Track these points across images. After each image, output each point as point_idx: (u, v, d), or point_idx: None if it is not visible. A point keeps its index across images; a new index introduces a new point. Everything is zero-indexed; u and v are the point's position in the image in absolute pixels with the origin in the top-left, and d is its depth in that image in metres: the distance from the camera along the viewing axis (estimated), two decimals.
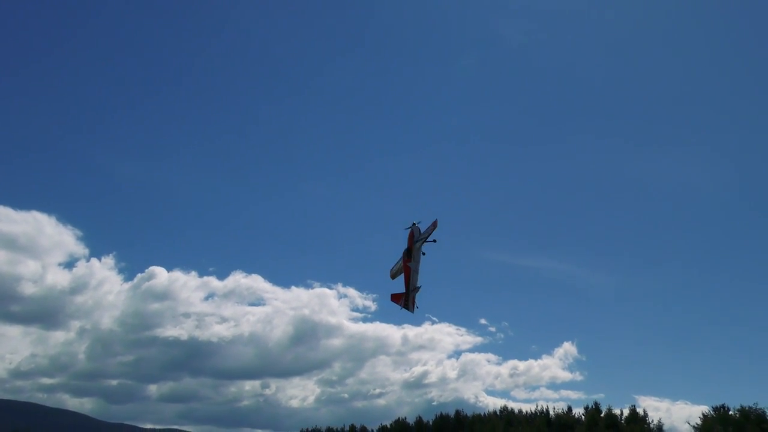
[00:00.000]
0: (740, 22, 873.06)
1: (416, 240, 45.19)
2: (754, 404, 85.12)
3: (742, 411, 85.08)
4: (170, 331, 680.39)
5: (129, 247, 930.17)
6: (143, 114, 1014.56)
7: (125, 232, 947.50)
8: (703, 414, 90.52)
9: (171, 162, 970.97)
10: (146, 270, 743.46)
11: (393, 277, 47.50)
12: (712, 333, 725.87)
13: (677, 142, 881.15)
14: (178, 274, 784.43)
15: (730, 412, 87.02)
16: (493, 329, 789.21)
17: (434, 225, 44.83)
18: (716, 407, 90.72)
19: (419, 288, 46.87)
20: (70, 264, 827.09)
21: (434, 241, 45.99)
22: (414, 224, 45.30)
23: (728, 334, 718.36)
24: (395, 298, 46.99)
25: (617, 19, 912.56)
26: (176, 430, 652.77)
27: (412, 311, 47.55)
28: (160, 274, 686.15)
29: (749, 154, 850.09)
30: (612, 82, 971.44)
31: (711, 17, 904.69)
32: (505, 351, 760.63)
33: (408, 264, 46.01)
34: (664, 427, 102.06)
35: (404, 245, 46.51)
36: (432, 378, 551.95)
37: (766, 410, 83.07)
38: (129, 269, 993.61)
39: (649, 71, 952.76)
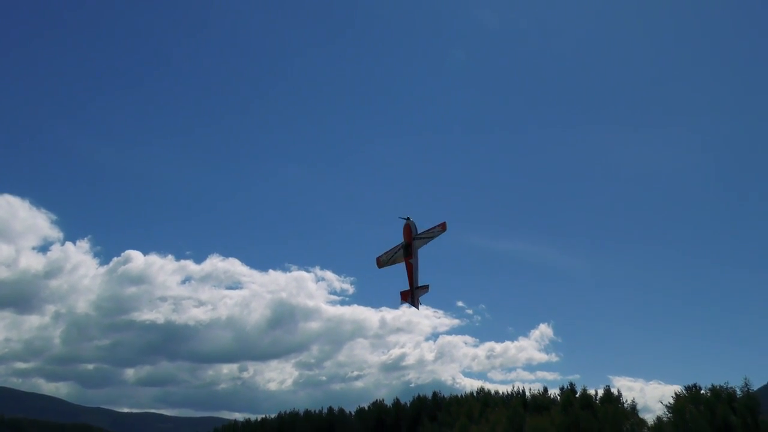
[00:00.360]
0: (714, 10, 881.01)
1: (415, 237, 45.10)
2: (725, 383, 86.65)
3: (714, 390, 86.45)
4: (147, 315, 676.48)
5: (105, 230, 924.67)
6: (120, 99, 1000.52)
7: (101, 216, 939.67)
8: (675, 393, 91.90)
9: (149, 146, 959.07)
10: (122, 254, 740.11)
11: (380, 266, 47.21)
12: (685, 315, 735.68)
13: (652, 126, 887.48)
14: (154, 258, 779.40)
15: (702, 392, 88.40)
16: (470, 312, 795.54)
17: (443, 227, 44.86)
18: (688, 387, 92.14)
19: (428, 287, 47.64)
20: (44, 248, 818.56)
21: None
22: (408, 219, 44.78)
23: (701, 316, 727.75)
24: (404, 296, 47.47)
25: (595, 3, 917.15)
26: (153, 413, 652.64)
27: (417, 308, 48.56)
28: (137, 258, 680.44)
29: (722, 138, 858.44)
30: (587, 69, 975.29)
31: (687, 4, 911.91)
32: (482, 333, 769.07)
33: (410, 261, 46.17)
34: (638, 407, 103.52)
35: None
36: (410, 360, 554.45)
37: (736, 389, 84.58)
38: (105, 253, 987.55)
39: (625, 57, 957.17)
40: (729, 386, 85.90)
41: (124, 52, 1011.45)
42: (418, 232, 45.41)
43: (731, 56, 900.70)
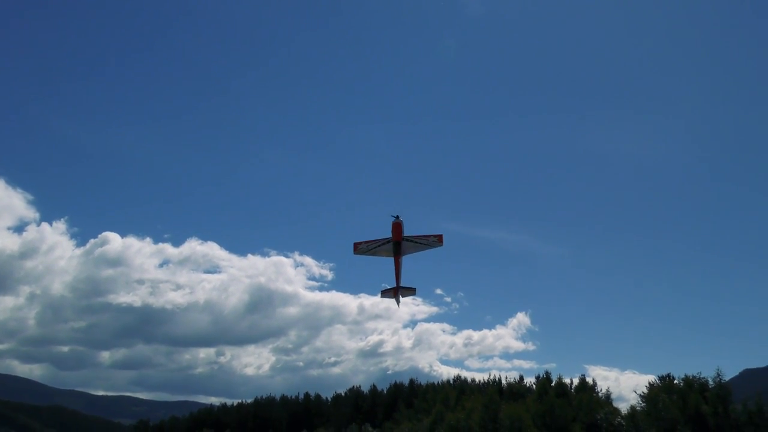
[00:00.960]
0: (701, 3, 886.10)
1: (408, 239, 44.23)
2: (697, 374, 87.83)
3: (686, 380, 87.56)
4: (123, 298, 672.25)
5: (82, 211, 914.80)
6: (101, 79, 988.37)
7: (78, 197, 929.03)
8: (649, 383, 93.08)
9: (129, 127, 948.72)
10: (99, 235, 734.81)
11: (356, 252, 45.72)
12: (662, 305, 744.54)
13: (632, 116, 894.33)
14: (132, 240, 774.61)
15: (675, 381, 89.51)
16: (448, 299, 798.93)
17: (439, 239, 44.10)
18: (662, 377, 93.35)
19: (415, 290, 48.85)
20: (19, 228, 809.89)
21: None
22: (397, 217, 43.54)
23: (678, 307, 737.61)
24: (387, 292, 48.46)
25: None
26: (128, 396, 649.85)
27: (398, 305, 49.95)
28: (114, 240, 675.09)
29: (701, 129, 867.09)
30: (570, 59, 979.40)
31: None
32: (460, 321, 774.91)
33: (398, 260, 45.94)
34: (613, 396, 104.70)
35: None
36: (387, 347, 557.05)
37: (709, 379, 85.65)
38: (82, 234, 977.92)
39: (608, 47, 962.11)
40: (702, 376, 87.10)
41: (106, 32, 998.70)
42: (411, 233, 44.31)
43: (715, 48, 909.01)
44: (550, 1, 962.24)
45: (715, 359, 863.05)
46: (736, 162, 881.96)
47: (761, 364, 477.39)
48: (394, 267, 46.56)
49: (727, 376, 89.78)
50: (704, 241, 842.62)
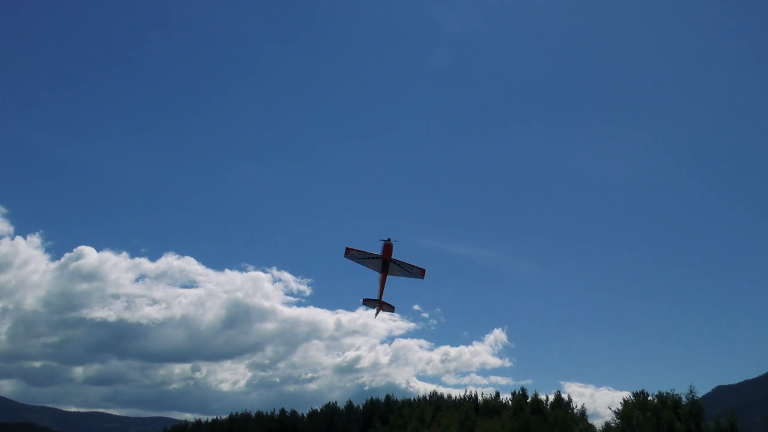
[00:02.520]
0: (670, 12, 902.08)
1: (396, 262, 48.60)
2: (671, 390, 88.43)
3: (660, 397, 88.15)
4: (98, 313, 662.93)
5: (57, 225, 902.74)
6: (76, 91, 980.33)
7: (54, 210, 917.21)
8: (623, 399, 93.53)
9: (106, 141, 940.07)
10: (75, 249, 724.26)
11: (347, 255, 48.72)
12: (637, 322, 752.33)
13: (605, 132, 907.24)
14: (108, 255, 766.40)
15: (649, 398, 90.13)
16: (426, 315, 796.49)
17: (422, 272, 49.10)
18: (636, 393, 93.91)
19: (394, 308, 53.16)
20: None
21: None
22: (389, 240, 47.39)
23: (651, 324, 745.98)
24: (368, 302, 52.69)
25: (549, 6, 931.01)
26: (100, 413, 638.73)
27: (375, 316, 54.37)
28: (90, 254, 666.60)
29: (672, 144, 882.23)
30: (541, 72, 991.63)
31: (639, 8, 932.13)
32: (437, 337, 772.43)
33: (385, 276, 50.27)
34: (588, 412, 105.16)
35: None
36: (364, 363, 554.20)
37: (682, 396, 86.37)
38: (56, 248, 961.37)
39: (577, 60, 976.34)
40: (675, 393, 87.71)
41: (83, 44, 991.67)
42: (400, 259, 48.71)
43: (686, 62, 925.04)
44: (523, 18, 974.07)
45: (689, 376, 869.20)
46: (708, 177, 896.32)
47: (734, 381, 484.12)
48: (379, 281, 50.96)
49: (700, 393, 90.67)
50: (677, 259, 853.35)
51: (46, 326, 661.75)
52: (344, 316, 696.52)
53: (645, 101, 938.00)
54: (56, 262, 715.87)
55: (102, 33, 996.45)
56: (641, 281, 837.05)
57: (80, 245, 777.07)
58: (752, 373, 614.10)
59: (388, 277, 50.88)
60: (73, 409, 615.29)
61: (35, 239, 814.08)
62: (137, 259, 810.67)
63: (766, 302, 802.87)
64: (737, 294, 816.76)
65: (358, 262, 49.68)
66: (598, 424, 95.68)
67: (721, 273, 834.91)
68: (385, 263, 48.82)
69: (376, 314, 53.74)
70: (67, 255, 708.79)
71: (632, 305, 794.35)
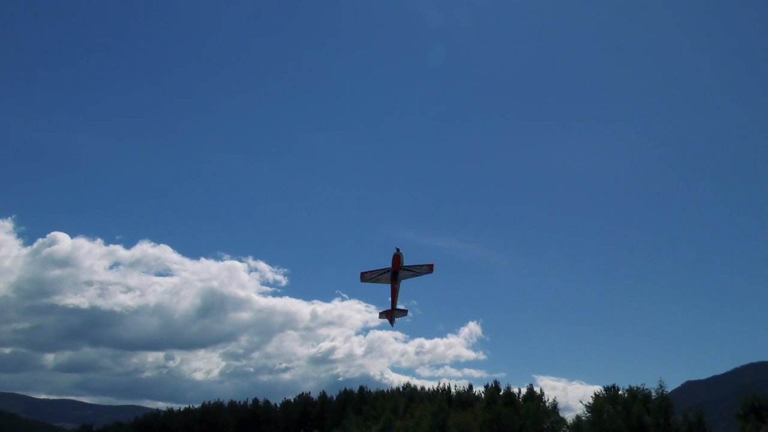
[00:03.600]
0: (650, 13, 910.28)
1: (404, 268, 50.62)
2: (641, 385, 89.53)
3: (630, 391, 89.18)
4: (70, 299, 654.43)
5: (31, 211, 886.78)
6: (52, 76, 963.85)
7: (27, 196, 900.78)
8: (595, 393, 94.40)
9: (82, 126, 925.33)
10: (48, 235, 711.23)
11: (362, 280, 52.16)
12: (609, 317, 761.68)
13: (578, 127, 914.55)
14: (82, 241, 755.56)
15: (620, 392, 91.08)
16: (402, 307, 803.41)
17: (430, 268, 50.70)
18: (607, 387, 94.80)
19: (407, 311, 54.77)
20: None
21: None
22: (398, 250, 50.16)
23: (623, 319, 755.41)
24: (384, 314, 54.12)
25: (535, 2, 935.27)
26: (71, 400, 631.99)
27: (392, 325, 55.48)
28: (63, 240, 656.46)
29: (649, 140, 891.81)
30: (520, 67, 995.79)
31: (626, 5, 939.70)
32: (412, 329, 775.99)
33: (395, 286, 52.10)
34: (561, 406, 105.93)
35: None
36: (339, 354, 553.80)
37: (652, 390, 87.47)
38: (29, 234, 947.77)
39: (560, 60, 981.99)
40: (645, 387, 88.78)
41: (61, 30, 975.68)
42: (406, 263, 50.67)
43: (668, 55, 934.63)
44: (509, 13, 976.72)
45: (659, 371, 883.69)
46: (684, 173, 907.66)
47: (702, 377, 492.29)
48: (390, 292, 52.66)
49: (670, 387, 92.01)
50: (651, 256, 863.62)
51: (17, 312, 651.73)
52: (320, 307, 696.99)
53: (625, 98, 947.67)
54: (29, 247, 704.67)
55: (80, 19, 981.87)
56: (615, 277, 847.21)
57: (54, 231, 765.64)
58: (720, 369, 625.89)
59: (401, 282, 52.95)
60: (42, 396, 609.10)
61: (7, 224, 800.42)
62: (112, 246, 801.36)
63: (736, 300, 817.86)
64: (708, 292, 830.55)
65: (373, 283, 52.29)
66: (569, 417, 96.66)
67: (693, 271, 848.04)
68: (395, 273, 51.02)
69: (393, 323, 55.46)
70: (40, 240, 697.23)
71: (606, 301, 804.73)
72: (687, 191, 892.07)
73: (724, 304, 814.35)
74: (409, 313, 58.46)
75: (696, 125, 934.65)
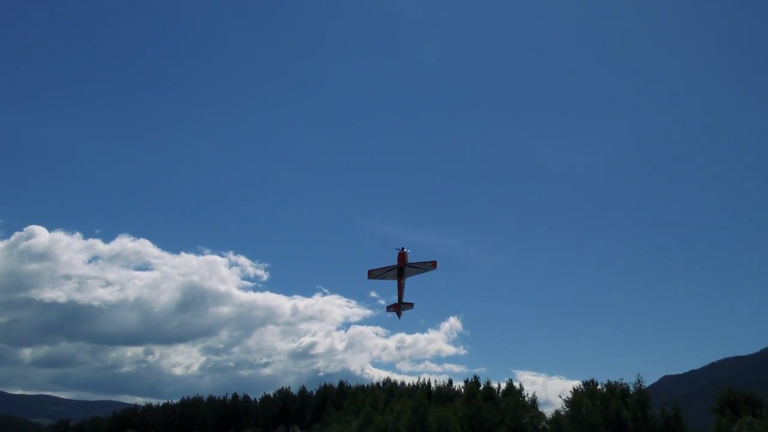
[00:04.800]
0: (625, 8, 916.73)
1: (409, 265, 53.98)
2: (619, 380, 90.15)
3: (609, 386, 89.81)
4: (48, 293, 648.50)
5: (8, 203, 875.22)
6: (31, 69, 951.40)
7: (4, 188, 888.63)
8: (574, 388, 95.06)
9: (61, 119, 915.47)
10: (25, 228, 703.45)
11: (370, 277, 55.08)
12: (588, 313, 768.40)
13: (561, 123, 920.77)
14: (60, 235, 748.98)
15: (598, 387, 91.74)
16: (382, 302, 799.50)
17: (434, 264, 54.30)
18: (586, 382, 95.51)
19: (413, 305, 58.68)
20: None
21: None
22: (402, 248, 53.11)
23: (602, 315, 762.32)
24: (391, 307, 58.53)
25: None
26: (47, 396, 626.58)
27: (399, 317, 59.64)
28: (41, 234, 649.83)
29: (627, 138, 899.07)
30: (503, 62, 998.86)
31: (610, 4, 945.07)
32: (393, 324, 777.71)
33: (401, 282, 55.99)
34: (540, 401, 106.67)
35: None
36: (319, 349, 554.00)
37: (630, 385, 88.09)
38: (6, 227, 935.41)
39: (540, 54, 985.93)
40: (623, 382, 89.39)
41: (42, 22, 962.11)
42: (412, 261, 53.98)
43: (645, 55, 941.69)
44: (486, 6, 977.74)
45: (637, 366, 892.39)
46: (663, 167, 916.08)
47: (680, 371, 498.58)
48: (397, 287, 56.66)
49: (648, 382, 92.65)
50: (628, 251, 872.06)
51: None
52: (301, 302, 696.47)
53: (605, 93, 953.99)
54: (5, 241, 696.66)
55: (62, 11, 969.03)
56: (595, 273, 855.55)
57: (31, 225, 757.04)
58: (697, 363, 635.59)
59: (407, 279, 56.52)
60: (19, 392, 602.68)
61: None
62: (90, 240, 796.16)
63: (712, 296, 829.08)
64: (685, 287, 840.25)
65: (380, 279, 55.59)
66: (549, 412, 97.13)
67: (671, 268, 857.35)
68: (401, 270, 54.26)
69: (400, 315, 59.26)
70: (17, 234, 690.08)
71: (586, 297, 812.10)
72: (666, 188, 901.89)
73: (701, 300, 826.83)
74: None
75: (680, 123, 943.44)
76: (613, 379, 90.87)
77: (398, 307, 57.89)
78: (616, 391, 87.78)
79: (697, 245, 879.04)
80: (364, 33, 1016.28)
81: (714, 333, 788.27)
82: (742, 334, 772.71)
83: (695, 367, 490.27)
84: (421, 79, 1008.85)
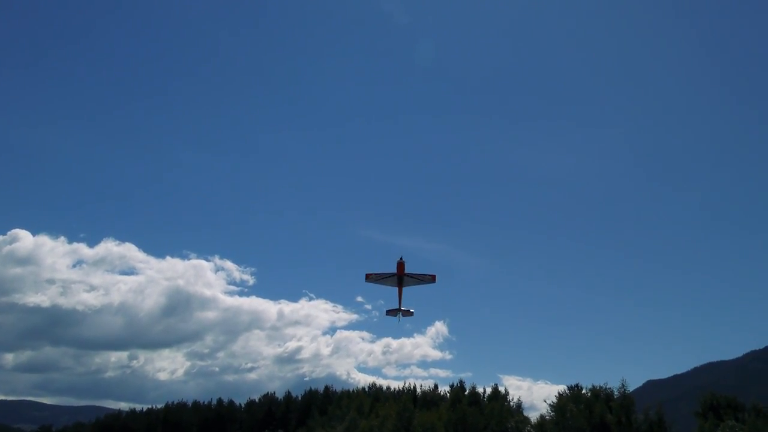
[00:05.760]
0: (613, 11, 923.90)
1: (409, 275, 55.92)
2: (604, 384, 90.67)
3: (593, 390, 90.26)
4: (31, 298, 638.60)
5: None
6: (14, 71, 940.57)
7: None
8: (559, 393, 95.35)
9: (45, 122, 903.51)
10: (9, 233, 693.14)
11: (367, 280, 56.76)
12: (574, 318, 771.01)
13: (546, 131, 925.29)
14: (44, 239, 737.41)
15: (583, 391, 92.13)
16: (369, 307, 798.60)
17: (432, 278, 56.37)
18: (571, 387, 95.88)
19: (413, 312, 61.03)
20: None
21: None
22: (401, 258, 55.34)
23: (588, 320, 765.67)
24: (391, 312, 61.05)
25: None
26: (29, 401, 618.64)
27: (398, 321, 62.09)
28: (25, 238, 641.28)
29: (613, 143, 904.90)
30: (489, 65, 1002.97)
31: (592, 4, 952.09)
32: (379, 329, 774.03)
33: (401, 289, 57.84)
34: (525, 405, 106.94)
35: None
36: (305, 354, 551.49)
37: (614, 389, 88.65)
38: None
39: (527, 58, 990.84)
40: (608, 387, 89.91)
41: (24, 25, 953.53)
42: (411, 272, 55.97)
43: (635, 60, 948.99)
44: (472, 9, 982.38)
45: (621, 370, 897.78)
46: (652, 172, 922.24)
47: (663, 376, 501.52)
48: (397, 293, 58.56)
49: (632, 386, 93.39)
50: (614, 256, 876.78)
51: None
52: (287, 307, 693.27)
53: (594, 97, 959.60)
54: None
55: (44, 16, 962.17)
56: (580, 279, 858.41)
57: (15, 228, 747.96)
58: (681, 368, 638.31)
59: (403, 284, 58.23)
60: (0, 398, 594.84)
61: None
62: (75, 245, 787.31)
63: (696, 302, 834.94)
64: (669, 293, 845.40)
65: (378, 284, 57.48)
66: (534, 416, 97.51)
67: (655, 272, 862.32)
68: (400, 278, 56.07)
69: (399, 319, 61.40)
70: (0, 238, 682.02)
71: (571, 302, 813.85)
72: (651, 192, 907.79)
73: (685, 306, 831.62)
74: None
75: (666, 127, 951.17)
76: (597, 383, 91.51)
77: (397, 312, 60.12)
78: (600, 395, 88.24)
79: (681, 251, 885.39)
80: (350, 36, 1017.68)
81: (697, 338, 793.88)
82: (725, 339, 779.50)
83: (679, 372, 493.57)
84: (409, 83, 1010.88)
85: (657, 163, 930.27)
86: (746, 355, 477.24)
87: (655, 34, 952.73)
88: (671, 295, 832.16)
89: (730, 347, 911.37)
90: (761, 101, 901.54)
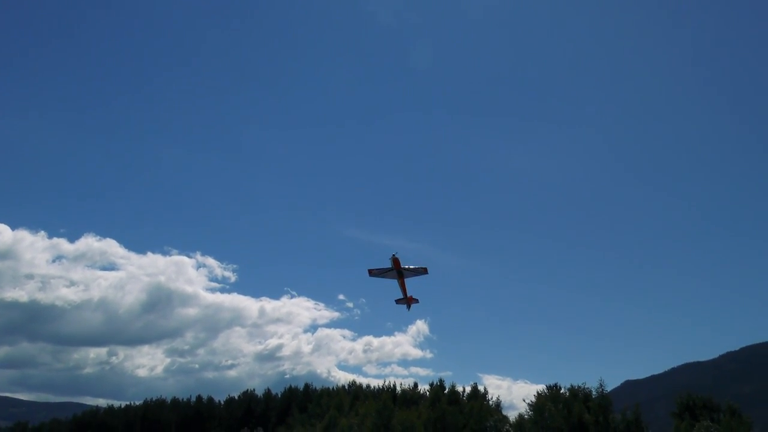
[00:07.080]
0: (589, 12, 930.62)
1: (405, 268, 62.83)
2: (582, 384, 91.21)
3: (572, 390, 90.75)
4: (9, 293, 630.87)
5: None
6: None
7: None
8: (538, 392, 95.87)
9: (25, 114, 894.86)
10: None
11: (371, 275, 63.32)
12: (554, 318, 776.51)
13: (523, 130, 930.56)
14: (23, 234, 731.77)
15: (562, 391, 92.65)
16: (350, 305, 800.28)
17: (425, 270, 63.24)
18: (550, 386, 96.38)
19: (418, 300, 68.52)
20: None
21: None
22: (395, 254, 61.38)
23: (567, 320, 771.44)
24: (400, 301, 67.93)
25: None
26: (5, 397, 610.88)
27: (408, 309, 69.50)
28: (4, 232, 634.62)
29: (589, 143, 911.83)
30: (472, 66, 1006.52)
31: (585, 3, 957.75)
32: (360, 327, 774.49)
33: (403, 282, 64.84)
34: (505, 404, 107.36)
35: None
36: (286, 351, 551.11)
37: (592, 389, 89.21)
38: None
39: (512, 60, 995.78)
40: (586, 386, 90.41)
41: (8, 19, 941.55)
42: (407, 265, 62.78)
43: (615, 60, 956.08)
44: (458, 10, 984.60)
45: (600, 370, 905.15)
46: (622, 171, 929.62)
47: (641, 376, 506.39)
48: (399, 285, 65.09)
49: (610, 386, 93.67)
50: (591, 255, 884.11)
51: None
52: (268, 304, 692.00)
53: (577, 97, 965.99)
54: None
55: (23, 9, 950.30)
56: (560, 278, 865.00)
57: None
58: (658, 368, 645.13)
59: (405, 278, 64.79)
60: None
61: None
62: (55, 240, 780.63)
63: (674, 303, 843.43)
64: (647, 294, 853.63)
65: (380, 278, 63.58)
66: (513, 415, 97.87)
67: (633, 273, 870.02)
68: (399, 271, 62.69)
69: (408, 308, 68.74)
70: None
71: (551, 302, 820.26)
72: (631, 193, 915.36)
73: (662, 307, 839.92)
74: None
75: (650, 128, 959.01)
76: (576, 383, 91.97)
77: (406, 301, 66.85)
78: (578, 395, 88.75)
79: (659, 253, 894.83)
80: (333, 36, 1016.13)
81: (675, 339, 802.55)
82: (702, 340, 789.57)
83: (656, 372, 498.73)
84: (391, 83, 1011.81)
85: (636, 164, 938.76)
86: (722, 356, 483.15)
87: (641, 35, 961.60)
88: (649, 297, 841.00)
89: (707, 348, 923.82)
90: (746, 100, 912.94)
